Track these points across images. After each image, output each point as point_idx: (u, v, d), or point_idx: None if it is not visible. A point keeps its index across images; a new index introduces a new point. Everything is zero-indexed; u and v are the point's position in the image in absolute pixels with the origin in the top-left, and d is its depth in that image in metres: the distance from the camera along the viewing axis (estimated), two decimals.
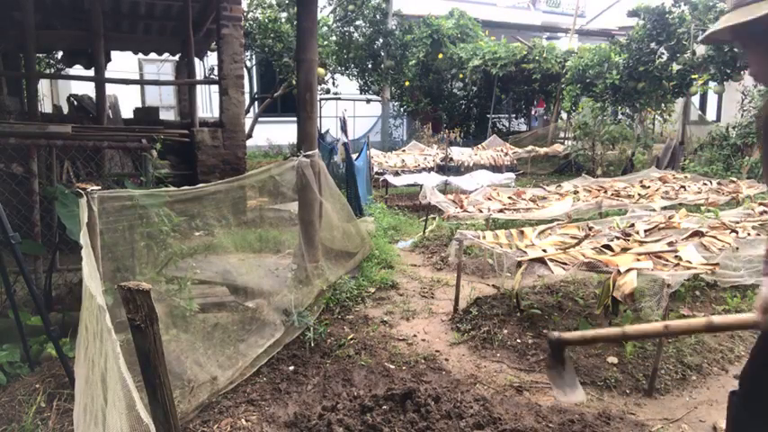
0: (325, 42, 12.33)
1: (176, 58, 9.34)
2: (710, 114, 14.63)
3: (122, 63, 10.39)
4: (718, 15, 9.19)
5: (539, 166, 13.08)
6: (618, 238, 4.15)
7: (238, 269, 3.89)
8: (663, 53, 10.31)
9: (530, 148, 12.73)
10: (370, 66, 14.87)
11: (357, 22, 14.14)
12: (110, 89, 6.31)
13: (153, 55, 9.32)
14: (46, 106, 10.00)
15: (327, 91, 13.15)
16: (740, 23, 1.44)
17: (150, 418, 1.38)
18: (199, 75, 8.07)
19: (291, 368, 3.25)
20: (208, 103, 13.85)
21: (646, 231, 4.32)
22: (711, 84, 10.06)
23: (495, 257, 4.79)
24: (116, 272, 2.81)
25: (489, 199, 6.57)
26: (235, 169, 5.67)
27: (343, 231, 5.07)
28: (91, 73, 7.04)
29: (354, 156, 7.95)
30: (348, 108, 15.04)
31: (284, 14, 11.65)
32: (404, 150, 11.87)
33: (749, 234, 4.20)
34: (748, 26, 1.44)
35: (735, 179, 7.87)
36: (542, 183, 9.85)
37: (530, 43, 13.92)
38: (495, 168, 10.72)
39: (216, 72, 6.43)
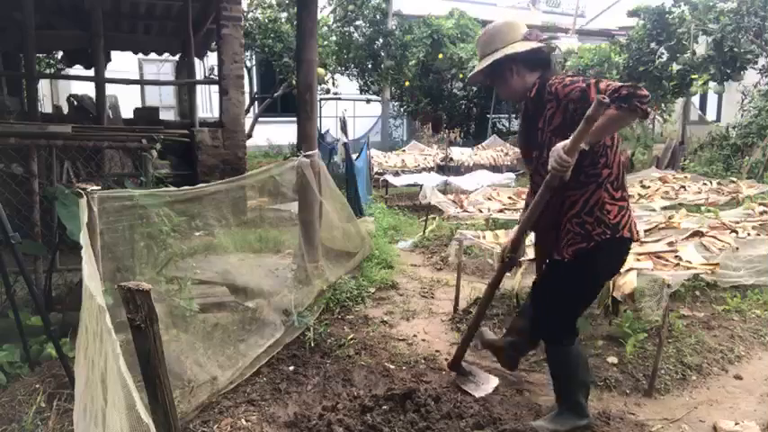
0: (325, 42, 12.32)
1: (176, 58, 9.33)
2: (710, 114, 14.62)
3: (122, 63, 10.38)
4: (717, 16, 9.19)
5: None
6: None
7: (238, 269, 3.88)
8: (663, 53, 10.30)
9: None
10: (370, 66, 14.86)
11: (357, 22, 14.12)
12: (110, 89, 6.30)
13: (153, 55, 9.32)
14: (46, 106, 10.01)
15: (327, 91, 13.14)
16: (478, 71, 2.42)
17: (150, 418, 1.38)
18: (199, 75, 8.07)
19: (291, 368, 3.25)
20: (208, 103, 13.83)
21: (646, 231, 4.32)
22: (711, 84, 10.04)
23: (495, 257, 4.78)
24: (116, 272, 2.81)
25: (489, 199, 6.57)
26: (235, 169, 5.66)
27: (343, 231, 5.07)
28: (91, 73, 7.03)
29: (354, 156, 7.95)
30: (348, 108, 15.02)
31: (284, 14, 11.65)
32: (404, 150, 11.86)
33: (749, 234, 4.20)
34: (485, 72, 2.41)
35: (735, 179, 7.87)
36: None
37: None
38: (496, 168, 10.71)
39: (216, 72, 6.43)
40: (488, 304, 3.04)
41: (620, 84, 2.06)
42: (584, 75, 2.24)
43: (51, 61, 9.84)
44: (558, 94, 2.22)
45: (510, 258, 2.67)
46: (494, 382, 3.06)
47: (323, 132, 11.64)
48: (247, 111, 10.25)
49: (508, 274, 4.43)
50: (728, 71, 9.41)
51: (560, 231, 2.38)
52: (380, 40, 14.50)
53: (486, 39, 2.43)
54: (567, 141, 2.12)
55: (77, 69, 8.32)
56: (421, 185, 8.11)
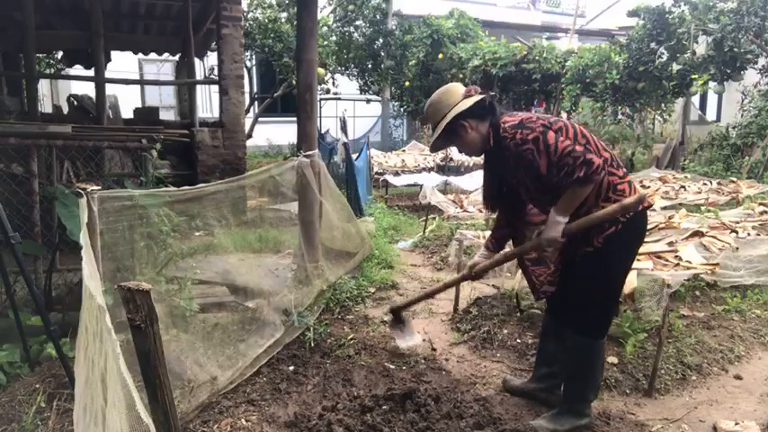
0: (325, 42, 12.32)
1: (176, 58, 9.33)
2: (710, 114, 14.61)
3: (122, 63, 10.39)
4: (717, 15, 9.19)
5: None
6: None
7: (238, 269, 3.89)
8: (663, 53, 10.29)
9: None
10: (370, 66, 14.86)
11: (357, 22, 14.13)
12: (110, 89, 6.31)
13: (153, 55, 9.32)
14: (46, 106, 10.00)
15: (327, 91, 13.14)
16: (436, 138, 2.55)
17: (150, 418, 1.38)
18: (199, 75, 8.07)
19: (291, 368, 3.25)
20: (208, 103, 13.84)
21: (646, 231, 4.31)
22: (711, 84, 10.04)
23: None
24: (116, 272, 2.81)
25: None
26: (235, 169, 5.66)
27: (343, 231, 5.07)
28: (91, 73, 7.03)
29: (354, 156, 7.95)
30: (348, 108, 15.02)
31: (284, 14, 11.65)
32: (404, 150, 11.86)
33: (749, 234, 4.20)
34: (442, 137, 2.55)
35: (735, 179, 7.87)
36: None
37: (530, 43, 13.91)
38: None
39: (216, 72, 6.43)
40: (435, 294, 3.27)
41: (570, 162, 2.24)
42: (525, 122, 2.41)
43: (51, 61, 9.84)
44: (511, 150, 2.37)
45: (475, 275, 2.79)
46: (417, 339, 3.18)
47: (323, 132, 11.63)
48: (247, 111, 10.25)
49: (508, 273, 4.47)
50: (728, 71, 9.41)
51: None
52: (380, 40, 14.50)
53: (432, 111, 2.57)
54: (567, 227, 2.35)
55: (77, 69, 8.32)
56: (421, 185, 8.11)
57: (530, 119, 2.38)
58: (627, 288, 3.11)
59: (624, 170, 2.49)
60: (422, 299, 3.27)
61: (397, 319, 3.15)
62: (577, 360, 2.64)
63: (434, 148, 2.76)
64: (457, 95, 2.51)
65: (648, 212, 2.64)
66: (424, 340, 3.74)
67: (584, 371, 2.62)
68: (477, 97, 2.48)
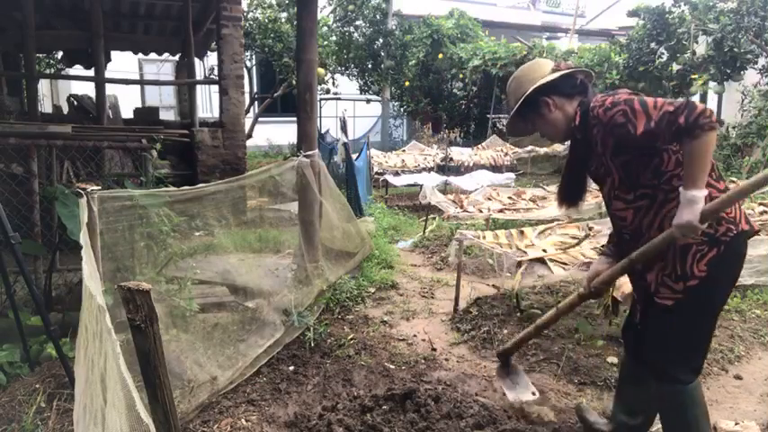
0: (325, 42, 12.34)
1: (176, 58, 9.33)
2: None
3: (122, 63, 10.39)
4: (717, 15, 9.20)
5: (539, 167, 13.04)
6: None
7: (238, 269, 3.89)
8: (663, 53, 10.30)
9: (530, 148, 12.70)
10: (370, 66, 14.88)
11: (357, 22, 14.16)
12: (110, 89, 6.31)
13: (153, 55, 9.32)
14: (46, 106, 10.00)
15: (327, 91, 13.15)
16: (514, 114, 2.27)
17: (150, 418, 1.38)
18: (199, 75, 8.07)
19: (291, 368, 3.25)
20: (208, 103, 13.84)
21: None
22: (711, 84, 10.05)
23: (495, 257, 4.79)
24: (116, 272, 2.81)
25: (489, 199, 6.57)
26: (235, 169, 5.66)
27: (343, 231, 5.07)
28: (91, 73, 7.03)
29: (354, 156, 7.95)
30: (348, 108, 15.03)
31: (284, 14, 11.67)
32: (404, 150, 11.87)
33: None
34: (522, 114, 2.26)
35: (735, 179, 7.86)
36: (542, 183, 9.85)
37: (530, 43, 13.91)
38: (495, 168, 10.71)
39: (216, 72, 6.43)
40: (548, 326, 2.77)
41: (668, 108, 1.85)
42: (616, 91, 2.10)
43: (51, 61, 9.85)
44: (601, 119, 2.03)
45: (595, 291, 2.35)
46: (528, 396, 2.78)
47: (323, 132, 11.64)
48: (247, 111, 10.26)
49: (508, 274, 4.46)
50: (728, 71, 9.42)
51: (677, 253, 2.02)
52: (380, 40, 14.52)
53: (514, 85, 2.30)
54: (704, 207, 1.86)
55: (77, 69, 8.32)
56: (421, 185, 8.11)
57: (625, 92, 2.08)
58: (627, 288, 3.10)
59: (725, 185, 2.04)
60: (533, 335, 2.76)
61: (507, 363, 2.85)
62: (670, 411, 2.22)
63: (512, 130, 2.40)
64: (544, 69, 2.24)
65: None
66: (423, 340, 3.74)
67: (684, 425, 2.18)
68: (565, 71, 2.22)
